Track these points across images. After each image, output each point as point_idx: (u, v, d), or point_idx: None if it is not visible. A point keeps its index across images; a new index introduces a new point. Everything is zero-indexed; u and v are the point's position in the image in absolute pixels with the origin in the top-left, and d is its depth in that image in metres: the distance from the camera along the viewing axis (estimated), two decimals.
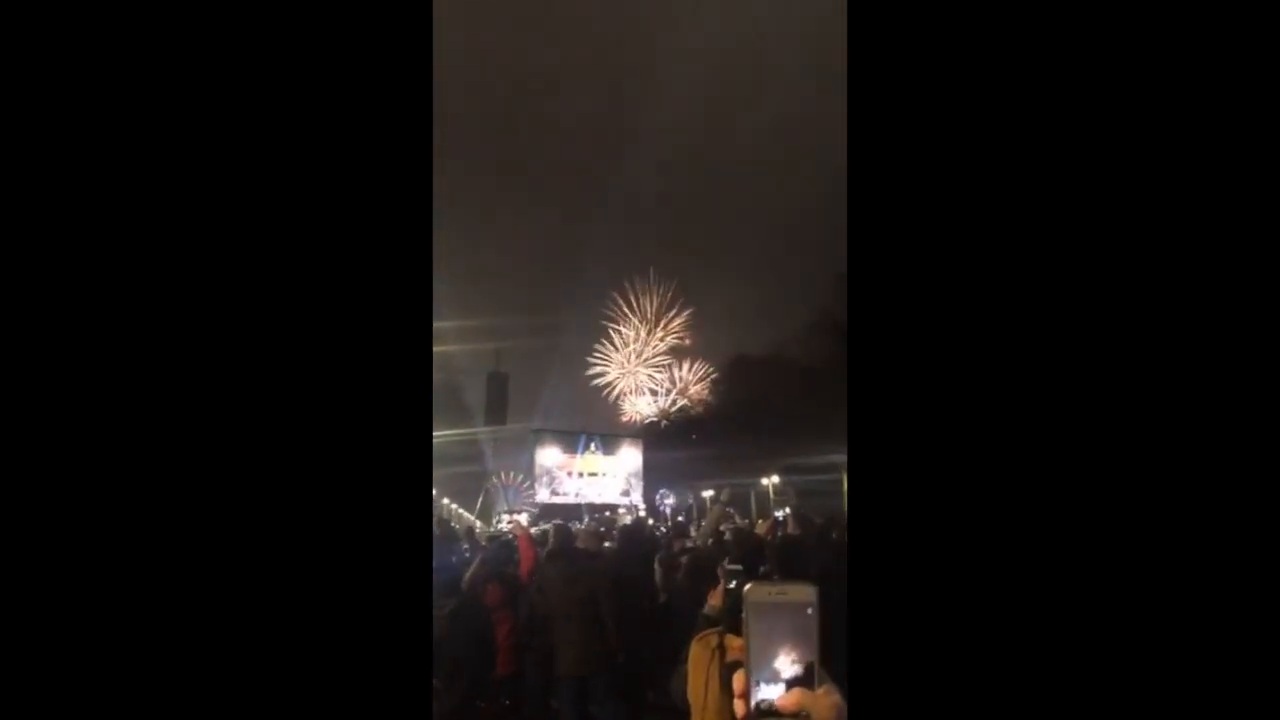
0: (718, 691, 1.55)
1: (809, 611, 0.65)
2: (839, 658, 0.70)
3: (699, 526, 6.21)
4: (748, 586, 0.66)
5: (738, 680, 0.65)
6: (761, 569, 3.38)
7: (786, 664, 0.64)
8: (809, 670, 0.64)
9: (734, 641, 0.65)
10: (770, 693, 0.64)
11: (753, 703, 0.64)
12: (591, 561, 4.25)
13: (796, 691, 0.63)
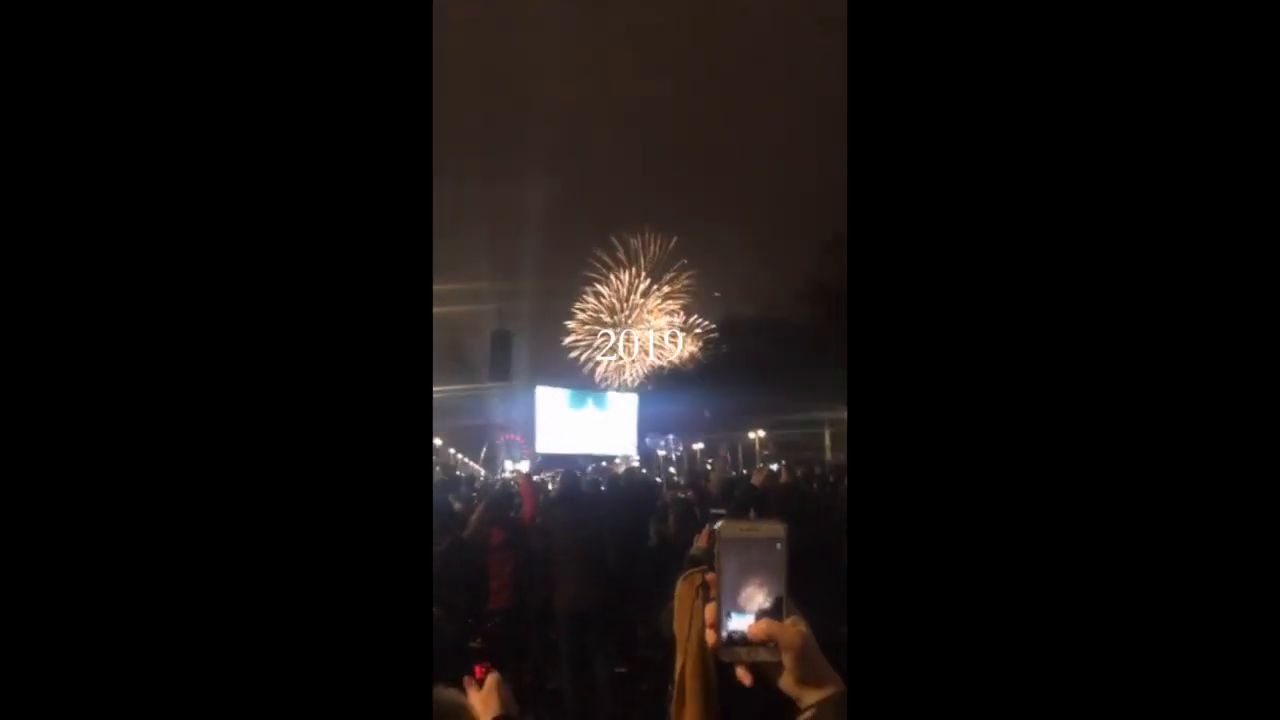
0: (700, 626, 1.59)
1: (778, 546, 0.65)
2: (808, 590, 0.71)
3: (688, 477, 6.28)
4: (720, 524, 0.68)
5: (709, 611, 0.66)
6: (751, 514, 3.42)
7: (756, 596, 0.65)
8: (777, 602, 0.65)
9: (713, 579, 0.66)
10: (740, 623, 0.65)
11: (724, 632, 0.65)
12: (593, 506, 4.31)
13: (765, 621, 0.64)
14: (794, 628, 0.64)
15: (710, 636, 0.66)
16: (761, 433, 25.58)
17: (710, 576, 0.67)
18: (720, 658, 0.66)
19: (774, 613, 0.65)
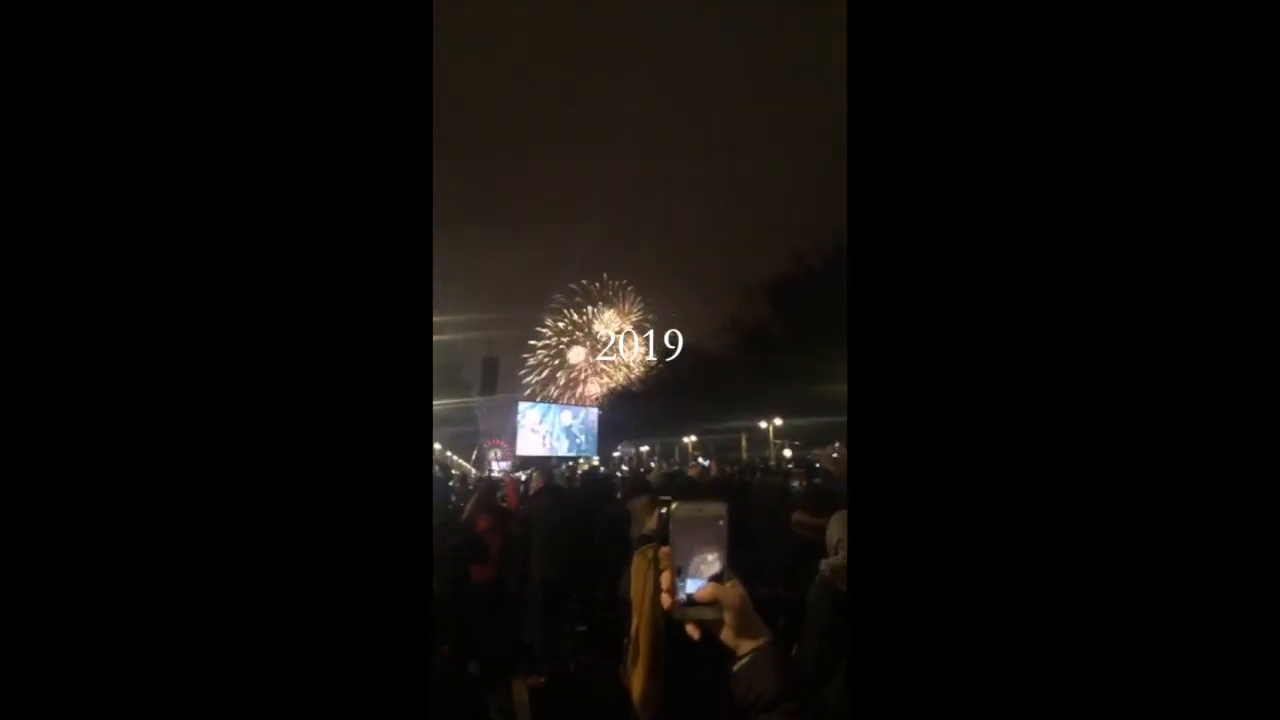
0: (653, 591, 1.58)
1: (720, 523, 0.65)
2: (742, 558, 0.69)
3: (642, 471, 6.28)
4: (673, 506, 0.67)
5: (665, 578, 0.65)
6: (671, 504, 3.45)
7: (703, 564, 0.65)
8: (721, 569, 0.65)
9: (665, 552, 0.66)
10: (692, 586, 0.64)
11: (678, 595, 0.64)
12: (563, 496, 4.34)
13: (711, 585, 0.64)
14: (733, 590, 0.64)
15: (666, 600, 0.65)
16: (694, 437, 25.80)
17: (664, 550, 0.66)
18: (674, 616, 0.65)
19: (718, 577, 0.65)
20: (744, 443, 24.06)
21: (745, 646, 0.63)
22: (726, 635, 0.64)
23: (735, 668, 0.63)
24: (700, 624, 0.64)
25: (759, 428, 23.18)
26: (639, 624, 1.49)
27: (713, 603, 0.63)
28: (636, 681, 1.45)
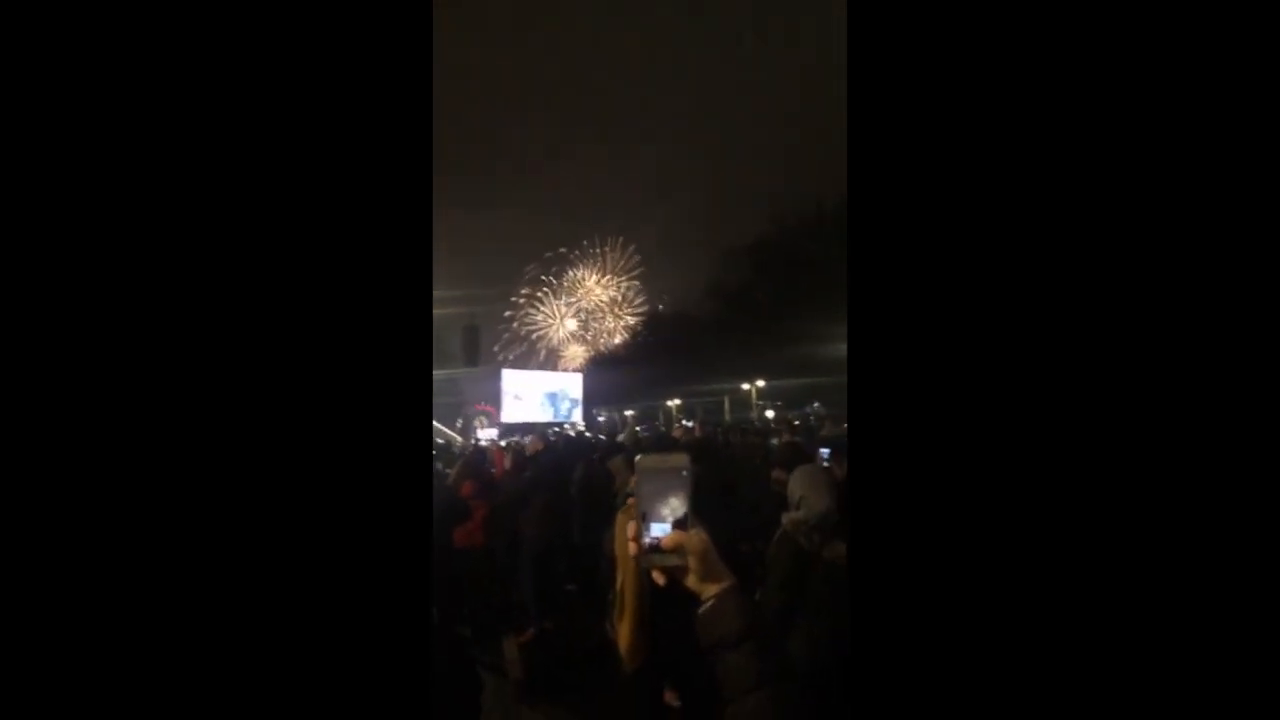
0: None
1: (683, 473, 0.67)
2: (713, 510, 0.70)
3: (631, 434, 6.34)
4: (639, 457, 0.68)
5: (631, 527, 0.67)
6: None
7: (667, 511, 0.66)
8: (684, 516, 0.66)
9: (632, 502, 0.68)
10: (658, 531, 0.66)
11: (645, 540, 0.66)
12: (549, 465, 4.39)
13: (675, 533, 0.66)
14: (696, 536, 0.66)
15: (633, 547, 0.66)
16: (678, 400, 26.03)
17: (631, 500, 0.67)
18: (640, 563, 0.67)
19: (681, 525, 0.66)
20: (727, 405, 24.36)
21: (709, 590, 0.65)
22: (691, 580, 0.65)
23: (700, 610, 0.65)
24: (666, 570, 0.66)
25: (742, 390, 23.45)
26: (623, 579, 1.53)
27: (677, 549, 0.65)
28: (622, 634, 1.50)
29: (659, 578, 0.66)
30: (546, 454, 4.31)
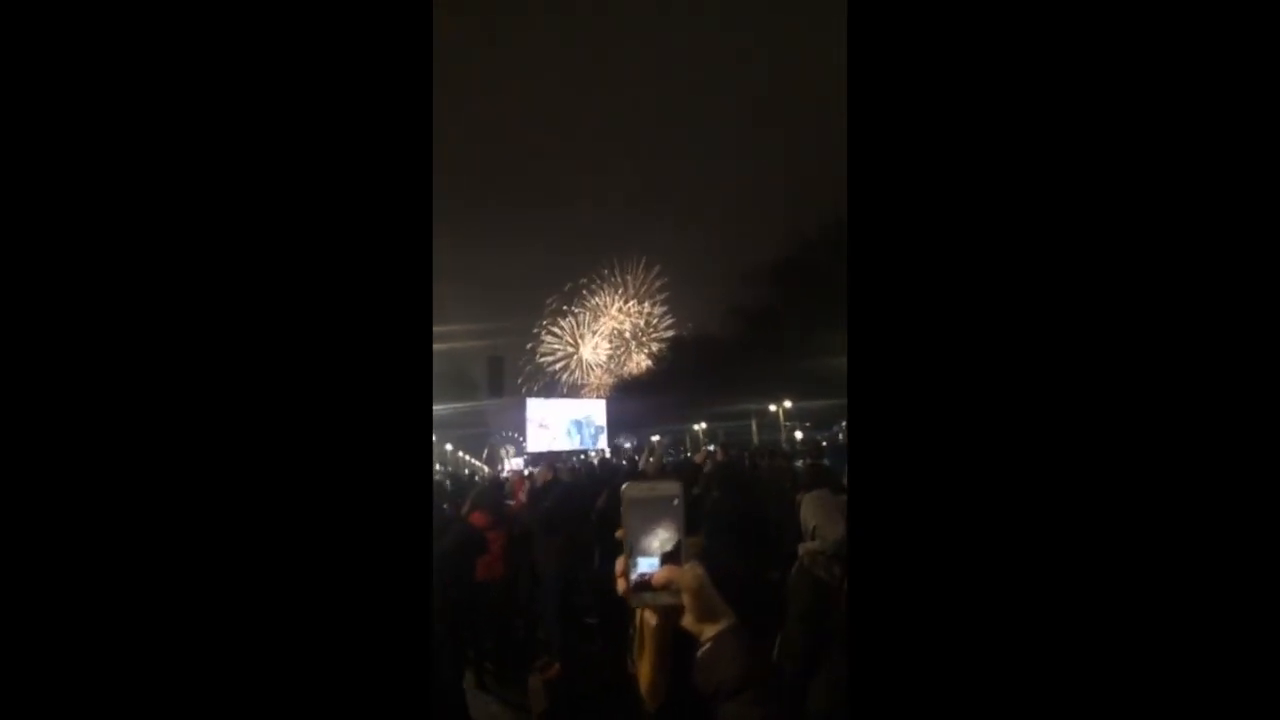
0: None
1: (674, 503, 0.60)
2: (730, 537, 0.64)
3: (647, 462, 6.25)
4: (625, 485, 0.62)
5: (619, 562, 0.60)
6: (694, 489, 3.41)
7: (657, 545, 0.60)
8: (676, 546, 0.60)
9: (620, 535, 0.62)
10: (646, 566, 0.60)
11: (633, 576, 0.60)
12: (573, 489, 4.33)
13: (665, 569, 0.59)
14: (690, 572, 0.60)
15: (621, 585, 0.60)
16: (703, 424, 25.80)
17: (618, 533, 0.61)
18: (630, 603, 0.61)
19: (674, 556, 0.60)
20: (754, 427, 24.05)
21: (707, 631, 0.59)
22: (687, 620, 0.59)
23: (697, 654, 0.59)
24: (659, 609, 0.60)
25: (769, 411, 23.13)
26: (641, 614, 1.45)
27: (669, 586, 0.59)
28: (643, 673, 1.41)
29: (651, 619, 0.60)
30: (556, 485, 4.23)
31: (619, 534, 0.61)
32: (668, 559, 0.60)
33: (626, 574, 0.60)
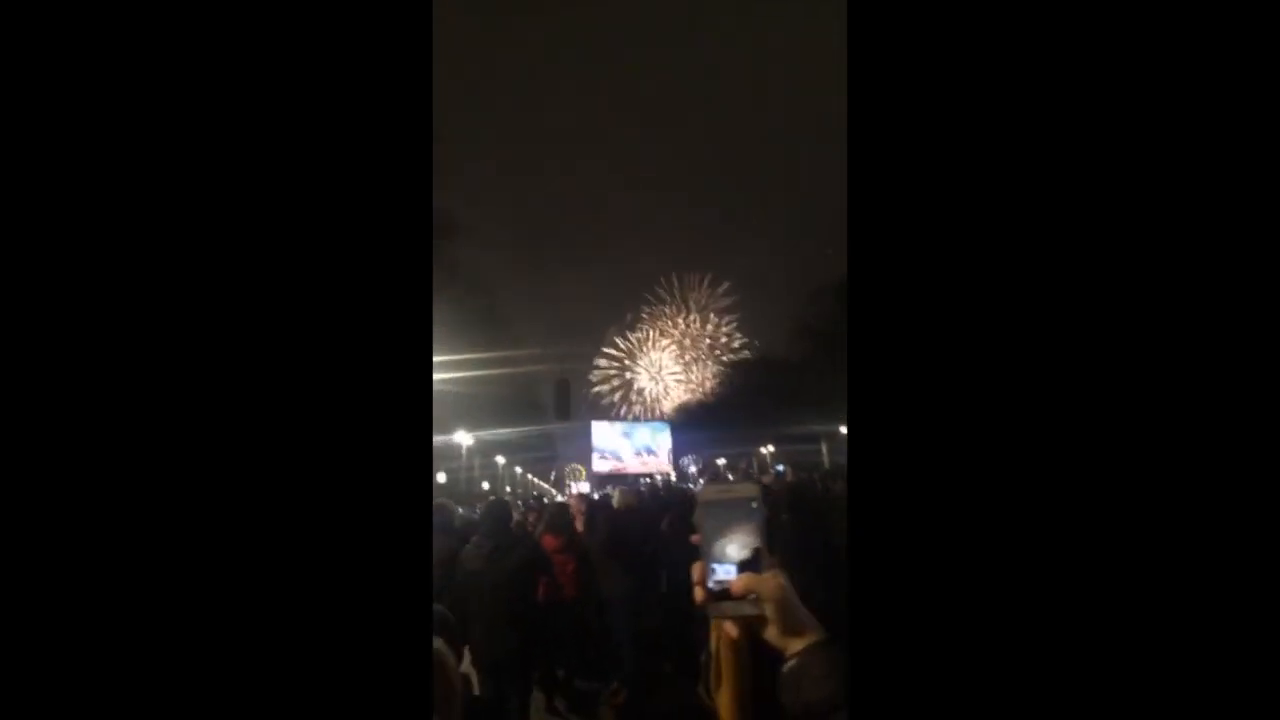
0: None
1: (753, 505, 0.58)
2: (804, 561, 0.62)
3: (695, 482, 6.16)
4: (699, 489, 0.61)
5: (696, 569, 0.58)
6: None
7: (734, 550, 0.57)
8: (755, 553, 0.57)
9: (696, 539, 0.60)
10: (723, 573, 0.57)
11: (710, 583, 0.57)
12: (620, 515, 4.32)
13: (745, 576, 0.56)
14: (773, 580, 0.56)
15: (699, 593, 0.58)
16: (771, 447, 25.12)
17: (695, 537, 0.59)
18: (708, 613, 0.58)
19: (753, 564, 0.57)
20: (824, 449, 23.18)
21: (793, 646, 0.55)
22: (771, 634, 0.56)
23: (783, 670, 0.55)
24: (739, 620, 0.56)
25: (839, 434, 22.27)
26: (716, 640, 1.42)
27: (749, 595, 0.56)
28: (723, 706, 1.37)
29: (731, 630, 0.57)
30: (607, 509, 4.21)
31: (694, 539, 0.59)
32: (746, 566, 0.57)
33: (703, 582, 0.57)
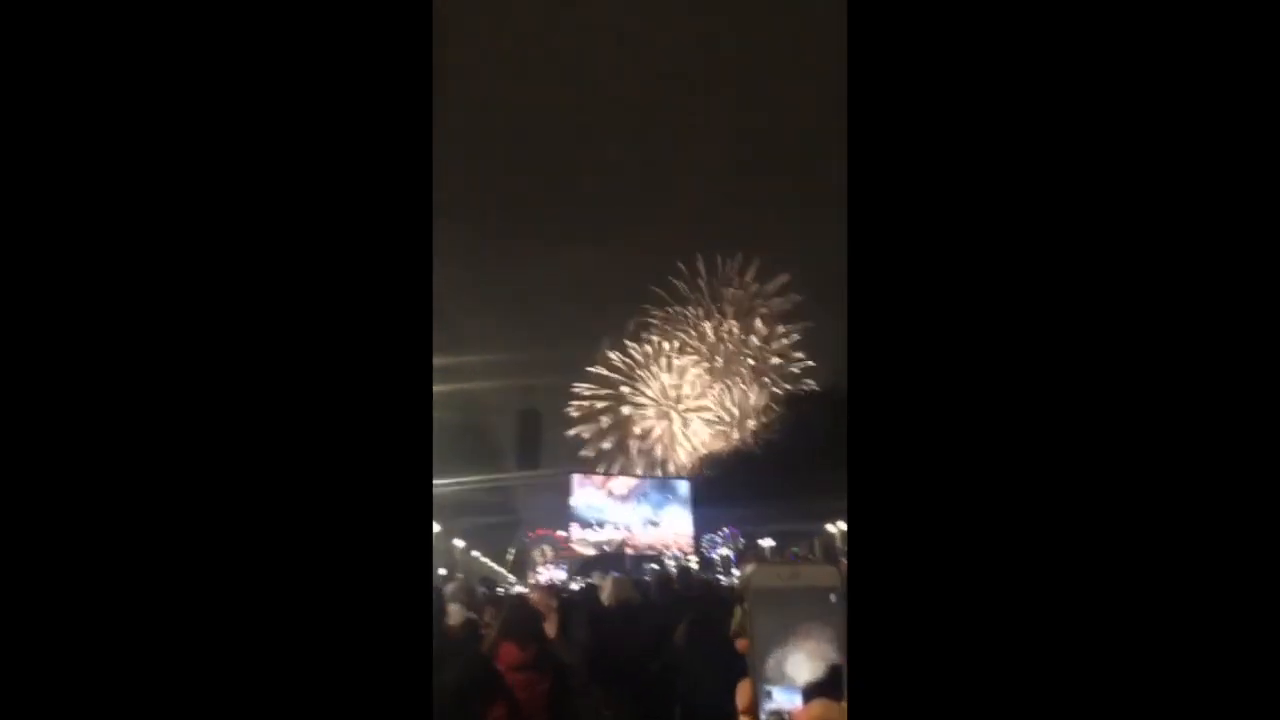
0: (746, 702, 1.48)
1: (832, 599, 0.56)
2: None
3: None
4: (751, 569, 0.58)
5: (741, 693, 0.55)
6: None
7: (804, 666, 0.55)
8: (833, 672, 0.54)
9: (743, 645, 0.56)
10: (785, 701, 0.54)
11: (762, 715, 0.54)
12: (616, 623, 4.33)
13: (818, 703, 0.53)
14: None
15: None
16: (843, 524, 24.97)
17: (741, 643, 0.57)
18: None
19: (830, 688, 0.54)
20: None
21: None
22: None
23: None
24: None
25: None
26: None
27: None
28: None
29: None
30: (587, 607, 4.23)
31: (740, 646, 0.57)
32: (819, 691, 0.54)
33: (753, 712, 0.55)
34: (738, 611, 0.59)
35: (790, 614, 0.56)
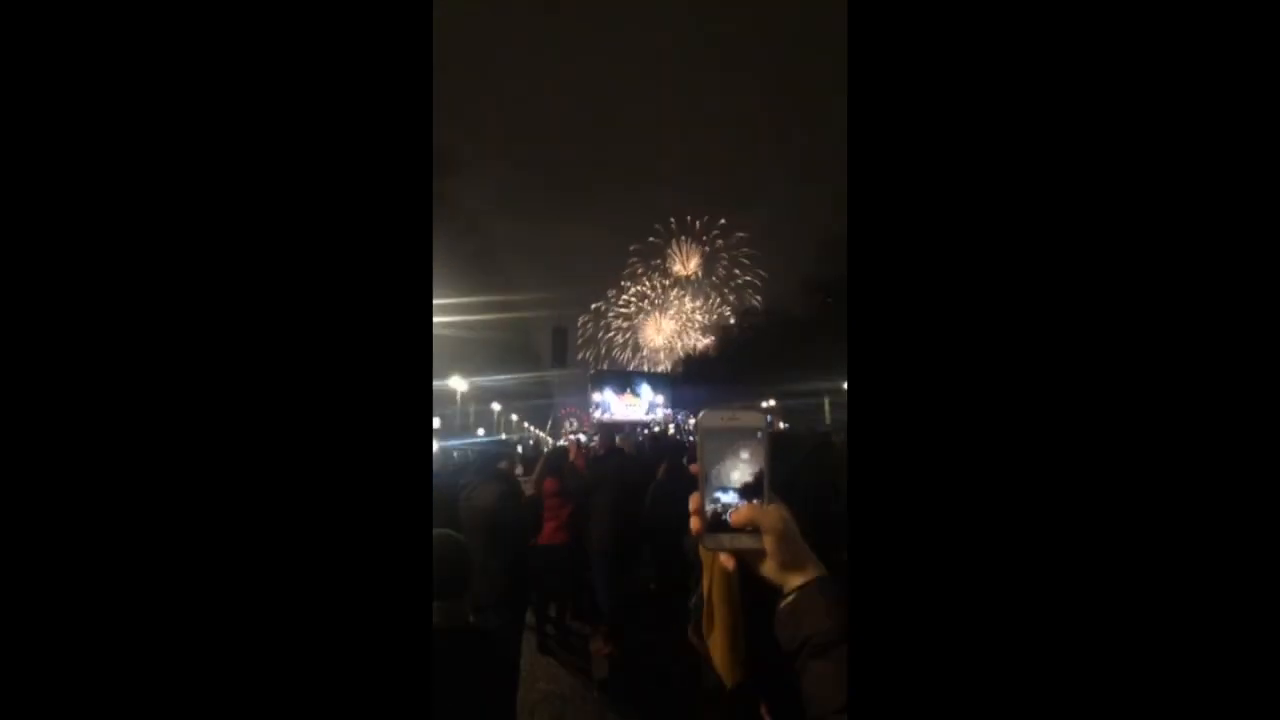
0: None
1: (758, 434, 0.55)
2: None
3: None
4: (701, 413, 0.56)
5: (693, 499, 0.55)
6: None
7: (737, 477, 0.55)
8: (758, 477, 0.55)
9: (694, 469, 0.57)
10: (725, 498, 0.55)
11: (707, 510, 0.55)
12: (632, 459, 4.38)
13: (746, 506, 0.54)
14: (775, 512, 0.54)
15: (694, 523, 0.55)
16: (773, 401, 25.35)
17: (692, 466, 0.56)
18: (705, 545, 0.56)
19: (755, 491, 0.55)
20: (827, 406, 23.40)
21: (791, 582, 0.54)
22: (768, 568, 0.55)
23: (780, 605, 0.55)
24: (737, 553, 0.55)
25: (843, 389, 22.41)
26: (709, 582, 1.40)
27: (750, 526, 0.54)
28: (716, 649, 1.36)
29: (728, 562, 0.55)
30: (609, 458, 4.31)
31: (693, 468, 0.56)
32: (749, 493, 0.55)
33: (701, 511, 0.55)
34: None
35: (727, 445, 0.56)
